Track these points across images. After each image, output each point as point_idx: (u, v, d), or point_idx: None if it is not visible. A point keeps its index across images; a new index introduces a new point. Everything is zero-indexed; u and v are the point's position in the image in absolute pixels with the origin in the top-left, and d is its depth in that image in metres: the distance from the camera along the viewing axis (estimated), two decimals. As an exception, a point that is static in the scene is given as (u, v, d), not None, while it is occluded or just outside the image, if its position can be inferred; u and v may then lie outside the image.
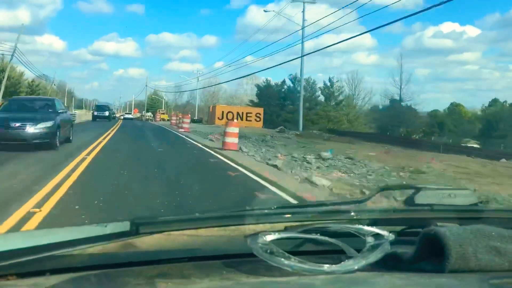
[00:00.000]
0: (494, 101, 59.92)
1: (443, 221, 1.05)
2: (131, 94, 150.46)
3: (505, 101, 57.71)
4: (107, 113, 44.16)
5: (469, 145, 37.23)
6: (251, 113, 48.35)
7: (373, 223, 1.01)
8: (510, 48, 79.92)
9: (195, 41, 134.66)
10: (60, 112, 12.64)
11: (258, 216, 1.01)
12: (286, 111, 51.68)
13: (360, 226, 0.98)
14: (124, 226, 0.88)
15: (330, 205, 1.14)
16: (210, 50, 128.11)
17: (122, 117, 60.86)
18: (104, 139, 16.58)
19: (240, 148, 13.80)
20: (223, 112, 47.68)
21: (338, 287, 0.83)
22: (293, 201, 6.18)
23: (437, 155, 17.65)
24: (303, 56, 35.36)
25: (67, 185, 6.73)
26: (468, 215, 1.08)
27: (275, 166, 10.12)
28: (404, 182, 8.76)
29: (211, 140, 18.73)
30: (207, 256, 0.97)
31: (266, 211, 1.05)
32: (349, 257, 0.89)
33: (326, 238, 0.98)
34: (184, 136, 21.16)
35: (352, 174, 9.69)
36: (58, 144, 11.73)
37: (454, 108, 59.71)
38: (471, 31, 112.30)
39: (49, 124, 11.38)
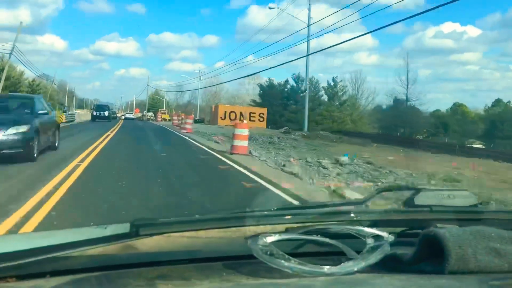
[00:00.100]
0: (497, 101, 59.17)
1: (442, 222, 1.03)
2: (132, 94, 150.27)
3: (509, 101, 57.20)
4: (106, 113, 43.43)
5: (475, 145, 36.51)
6: (254, 113, 47.25)
7: (373, 224, 1.00)
8: (510, 48, 79.01)
9: (196, 41, 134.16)
10: (40, 114, 9.97)
11: (258, 218, 1.01)
12: (289, 111, 50.97)
13: (360, 228, 0.96)
14: (124, 227, 0.88)
15: (331, 206, 1.13)
16: (211, 50, 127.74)
17: (123, 117, 59.92)
18: (101, 142, 15.18)
19: (250, 152, 12.69)
20: (225, 112, 46.70)
21: None
22: None
23: (457, 158, 16.73)
24: (309, 55, 34.56)
25: (39, 216, 4.90)
26: (467, 216, 1.06)
27: (292, 173, 9.14)
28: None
29: (216, 142, 17.89)
30: (208, 257, 0.97)
31: (266, 212, 1.04)
32: (349, 259, 0.89)
33: (327, 240, 0.97)
34: (187, 138, 20.41)
35: (380, 184, 8.68)
36: (36, 154, 9.23)
37: (457, 108, 59.06)
38: (472, 31, 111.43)
39: (23, 129, 8.80)
